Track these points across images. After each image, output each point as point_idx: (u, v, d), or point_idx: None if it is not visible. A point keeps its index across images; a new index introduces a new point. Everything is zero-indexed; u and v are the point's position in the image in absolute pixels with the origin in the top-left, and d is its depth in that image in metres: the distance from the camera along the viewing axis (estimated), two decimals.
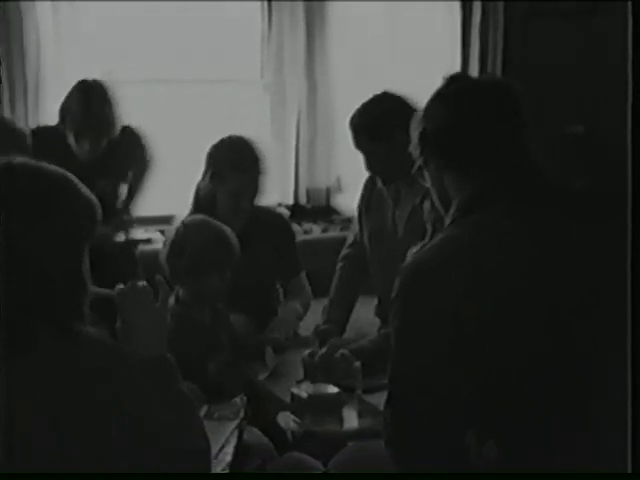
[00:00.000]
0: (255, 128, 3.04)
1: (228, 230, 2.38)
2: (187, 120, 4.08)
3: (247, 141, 2.83)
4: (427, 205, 2.46)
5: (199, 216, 2.48)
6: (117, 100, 3.25)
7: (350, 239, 3.08)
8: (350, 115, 2.79)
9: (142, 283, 1.56)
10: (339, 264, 3.06)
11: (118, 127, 3.28)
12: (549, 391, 1.49)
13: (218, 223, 2.40)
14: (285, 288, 3.05)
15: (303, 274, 3.04)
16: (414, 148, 1.72)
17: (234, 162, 2.78)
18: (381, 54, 4.31)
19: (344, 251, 3.08)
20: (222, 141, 2.85)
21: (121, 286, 1.55)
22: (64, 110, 3.24)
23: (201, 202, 2.85)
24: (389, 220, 2.85)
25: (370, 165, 2.79)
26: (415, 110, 2.67)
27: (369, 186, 2.98)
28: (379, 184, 2.89)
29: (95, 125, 3.21)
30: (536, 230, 1.57)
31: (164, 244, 2.41)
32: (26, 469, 1.27)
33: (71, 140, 3.21)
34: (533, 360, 1.49)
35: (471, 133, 1.63)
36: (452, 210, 1.65)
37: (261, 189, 2.84)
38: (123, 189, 3.43)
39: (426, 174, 1.73)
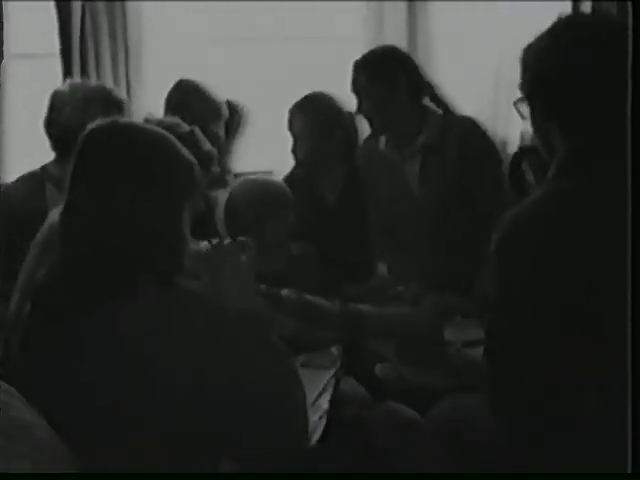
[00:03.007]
0: None
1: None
2: (286, 79, 4.07)
3: None
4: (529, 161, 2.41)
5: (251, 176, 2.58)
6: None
7: None
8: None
9: (228, 240, 1.61)
10: None
11: None
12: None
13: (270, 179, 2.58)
14: None
15: None
16: (521, 87, 1.67)
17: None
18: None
19: None
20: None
21: (207, 244, 1.60)
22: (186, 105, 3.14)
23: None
24: (400, 181, 2.76)
25: (363, 108, 2.72)
26: (420, 70, 2.67)
27: (371, 149, 2.90)
28: (381, 145, 2.82)
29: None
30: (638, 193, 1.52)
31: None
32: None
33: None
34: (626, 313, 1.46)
35: (581, 84, 1.58)
36: (554, 164, 1.62)
37: None
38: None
39: (530, 118, 1.68)
